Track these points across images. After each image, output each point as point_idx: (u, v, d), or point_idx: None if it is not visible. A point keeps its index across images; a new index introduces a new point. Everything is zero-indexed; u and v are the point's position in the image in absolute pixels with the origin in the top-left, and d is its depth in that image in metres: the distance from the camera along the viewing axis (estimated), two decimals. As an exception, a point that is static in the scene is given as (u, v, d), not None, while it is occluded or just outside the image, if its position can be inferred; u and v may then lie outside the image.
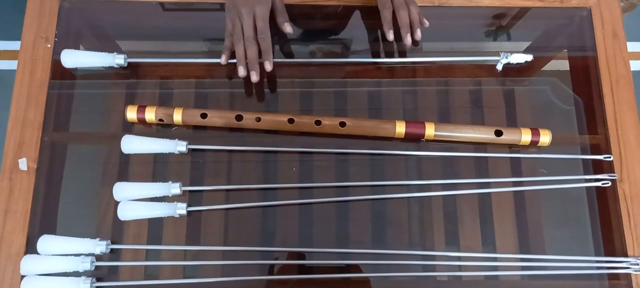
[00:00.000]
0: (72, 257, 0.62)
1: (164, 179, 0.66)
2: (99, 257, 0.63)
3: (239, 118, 0.67)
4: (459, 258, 0.65)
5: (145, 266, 0.64)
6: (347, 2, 0.77)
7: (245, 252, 0.64)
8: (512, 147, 0.70)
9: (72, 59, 0.70)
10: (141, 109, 0.67)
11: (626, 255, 0.66)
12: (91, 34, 0.77)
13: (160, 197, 0.65)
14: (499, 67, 0.73)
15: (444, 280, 0.65)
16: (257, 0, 0.66)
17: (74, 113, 0.70)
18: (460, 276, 0.65)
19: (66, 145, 0.70)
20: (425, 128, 0.68)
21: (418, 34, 0.69)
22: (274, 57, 0.68)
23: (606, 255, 0.66)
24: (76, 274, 0.62)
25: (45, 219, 0.65)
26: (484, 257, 0.65)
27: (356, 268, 0.64)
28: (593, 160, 0.70)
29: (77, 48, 0.73)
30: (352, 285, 0.64)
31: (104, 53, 0.70)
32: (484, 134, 0.68)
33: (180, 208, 0.64)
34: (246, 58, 0.67)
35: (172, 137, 0.67)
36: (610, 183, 0.68)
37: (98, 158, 0.69)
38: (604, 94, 0.73)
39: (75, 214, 0.66)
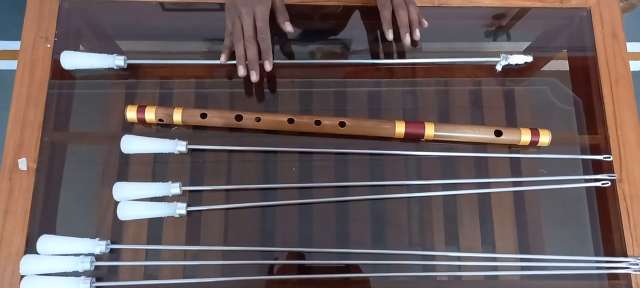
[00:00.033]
0: (72, 256, 0.62)
1: (163, 179, 0.66)
2: (98, 257, 0.63)
3: (238, 118, 0.67)
4: (458, 258, 0.65)
5: (145, 266, 0.64)
6: (347, 2, 0.77)
7: (245, 252, 0.64)
8: (511, 147, 0.70)
9: (72, 60, 0.70)
10: (141, 108, 0.67)
11: (626, 255, 0.66)
12: (91, 34, 0.77)
13: (160, 197, 0.65)
14: (499, 67, 0.73)
15: (443, 280, 0.65)
16: (257, 0, 0.66)
17: (74, 113, 0.70)
18: (460, 276, 0.65)
19: (66, 145, 0.70)
20: (425, 128, 0.68)
21: (417, 34, 0.69)
22: (274, 57, 0.68)
23: (606, 255, 0.66)
24: (76, 274, 0.62)
25: (44, 219, 0.65)
26: (484, 257, 0.65)
27: (356, 268, 0.64)
28: (593, 160, 0.70)
29: (77, 48, 0.73)
30: (351, 285, 0.64)
31: (103, 55, 0.70)
32: (484, 134, 0.68)
33: (180, 208, 0.64)
34: (246, 58, 0.67)
35: (171, 137, 0.67)
36: (609, 184, 0.68)
37: (98, 158, 0.69)
38: (604, 94, 0.73)
39: (75, 214, 0.66)
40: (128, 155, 0.67)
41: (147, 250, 0.64)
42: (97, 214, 0.66)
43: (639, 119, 0.71)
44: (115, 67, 0.70)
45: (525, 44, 0.78)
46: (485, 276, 0.65)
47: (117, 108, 0.70)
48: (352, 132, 0.68)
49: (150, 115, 0.67)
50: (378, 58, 0.76)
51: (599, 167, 0.70)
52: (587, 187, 0.69)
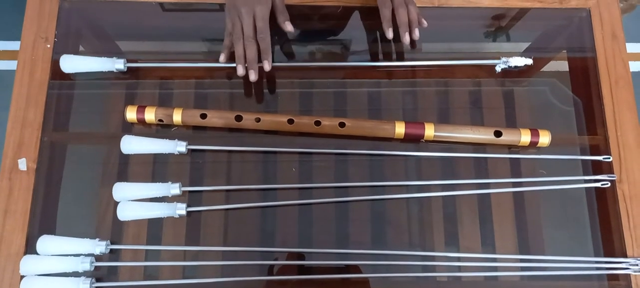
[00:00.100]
0: (72, 257, 0.62)
1: (163, 179, 0.66)
2: (98, 257, 0.63)
3: (238, 118, 0.67)
4: (458, 259, 0.65)
5: (145, 266, 0.64)
6: (347, 2, 0.77)
7: (245, 253, 0.64)
8: (511, 147, 0.70)
9: (72, 64, 0.70)
10: (141, 109, 0.67)
11: (625, 256, 0.66)
12: (91, 34, 0.77)
13: (159, 197, 0.65)
14: (498, 69, 0.73)
15: (443, 280, 0.65)
16: (257, 0, 0.66)
17: (74, 113, 0.70)
18: (460, 276, 0.65)
19: (66, 146, 0.70)
20: (424, 129, 0.68)
21: (416, 34, 0.69)
22: (274, 58, 0.68)
23: (605, 255, 0.67)
24: (76, 274, 0.62)
25: (44, 219, 0.65)
26: (484, 257, 0.65)
27: (356, 269, 0.64)
28: (592, 160, 0.70)
29: (77, 48, 0.73)
30: (351, 286, 0.64)
31: (103, 58, 0.70)
32: (484, 135, 0.68)
33: (180, 209, 0.64)
34: (245, 58, 0.67)
35: (171, 138, 0.67)
36: (609, 184, 0.68)
37: (97, 158, 0.69)
38: (603, 94, 0.73)
39: (75, 214, 0.66)
40: (128, 155, 0.67)
41: (146, 250, 0.64)
42: (97, 214, 0.66)
43: (638, 120, 0.72)
44: (115, 71, 0.70)
45: (525, 45, 0.78)
46: (485, 276, 0.65)
47: (117, 108, 0.70)
48: (352, 133, 0.68)
49: (150, 115, 0.67)
50: (378, 58, 0.76)
51: (598, 168, 0.70)
52: (586, 188, 0.69)
